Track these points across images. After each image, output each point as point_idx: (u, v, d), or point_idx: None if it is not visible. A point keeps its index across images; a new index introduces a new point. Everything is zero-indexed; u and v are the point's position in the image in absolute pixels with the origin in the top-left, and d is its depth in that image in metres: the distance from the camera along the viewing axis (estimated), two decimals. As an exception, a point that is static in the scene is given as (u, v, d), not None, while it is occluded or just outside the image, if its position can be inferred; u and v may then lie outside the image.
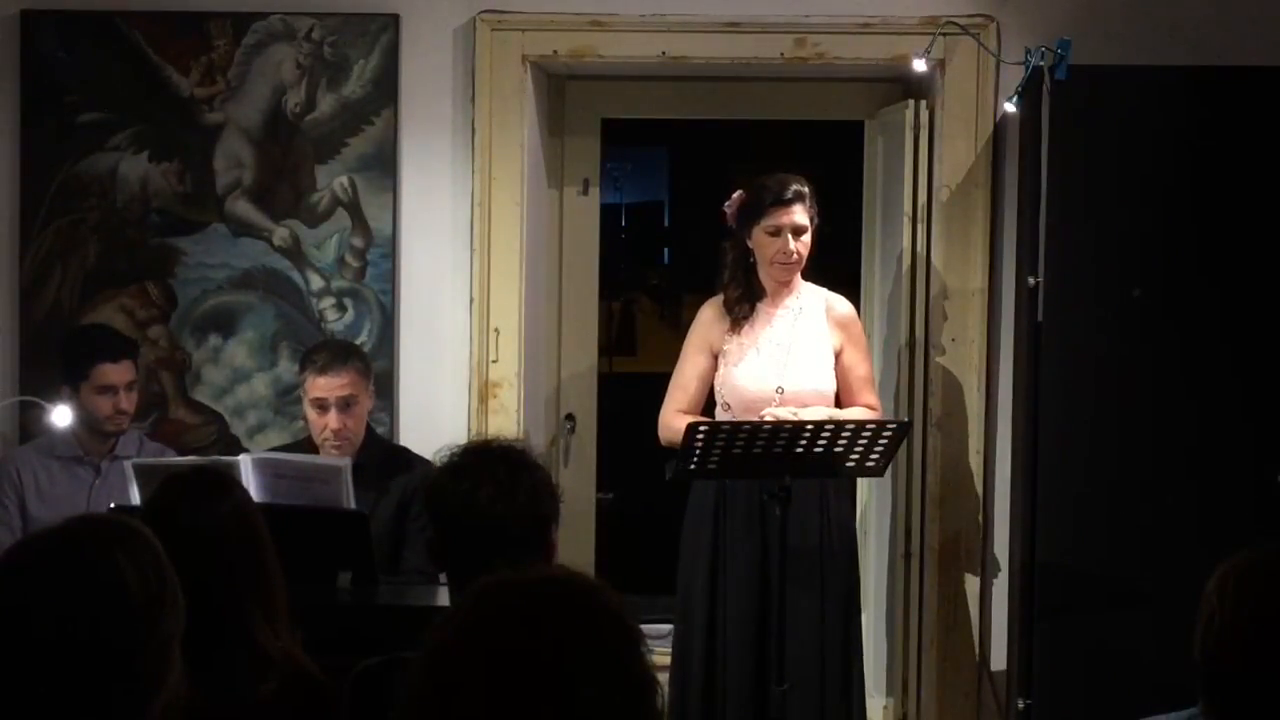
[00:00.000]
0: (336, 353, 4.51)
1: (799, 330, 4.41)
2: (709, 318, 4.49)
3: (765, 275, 4.43)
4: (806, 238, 4.38)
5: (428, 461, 4.56)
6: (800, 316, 4.43)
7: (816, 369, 4.39)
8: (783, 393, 4.33)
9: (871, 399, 4.47)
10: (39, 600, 1.91)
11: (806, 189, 4.39)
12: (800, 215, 4.35)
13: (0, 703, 1.86)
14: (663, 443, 4.45)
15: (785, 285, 4.43)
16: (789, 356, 4.38)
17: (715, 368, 4.45)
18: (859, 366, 4.46)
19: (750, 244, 4.41)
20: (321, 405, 4.40)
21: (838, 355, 4.43)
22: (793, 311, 4.43)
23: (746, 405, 4.33)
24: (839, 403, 4.44)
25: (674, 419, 4.38)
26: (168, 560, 2.01)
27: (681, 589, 4.44)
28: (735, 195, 4.44)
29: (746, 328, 4.42)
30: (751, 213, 4.38)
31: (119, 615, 1.92)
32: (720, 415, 4.42)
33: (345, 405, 4.40)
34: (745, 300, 4.43)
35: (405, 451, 4.63)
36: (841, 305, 4.51)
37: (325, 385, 4.39)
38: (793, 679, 4.14)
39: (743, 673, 4.29)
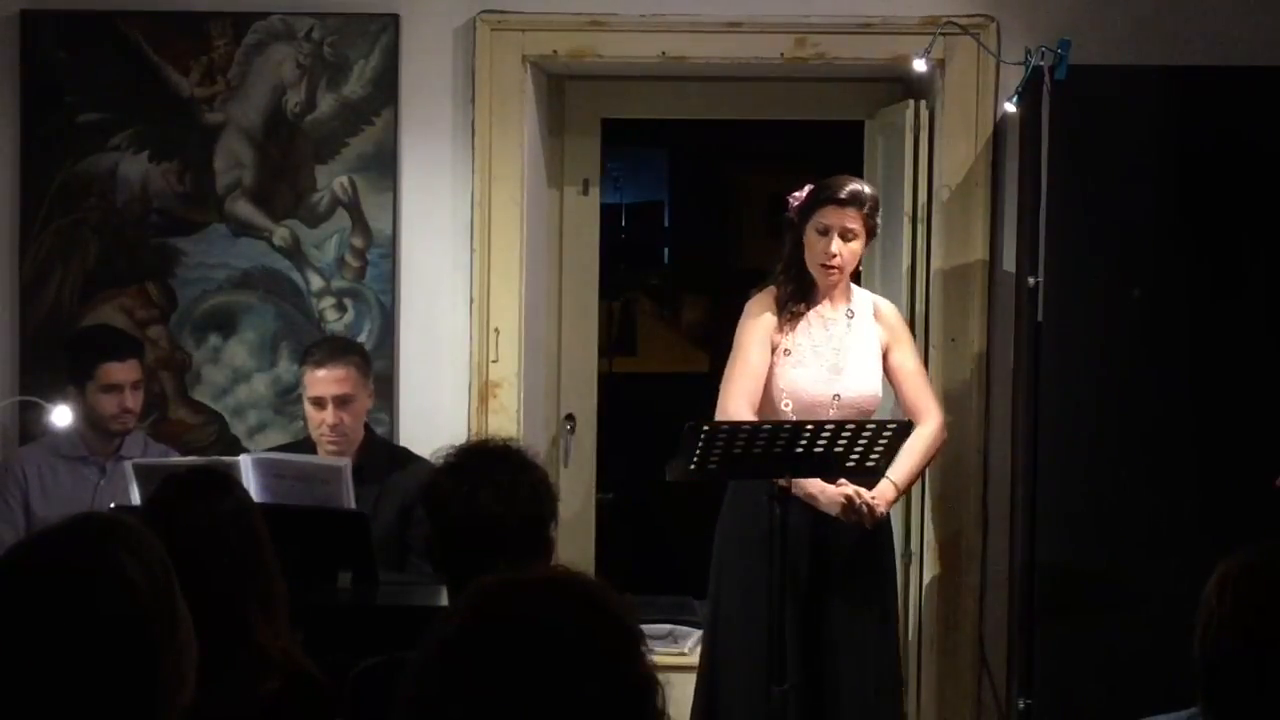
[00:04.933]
0: (335, 348, 4.56)
1: (852, 336, 4.31)
2: (763, 310, 4.32)
3: (814, 274, 4.30)
4: (856, 245, 4.24)
5: (429, 461, 4.58)
6: (853, 322, 4.33)
7: (869, 375, 4.31)
8: (839, 399, 4.23)
9: (930, 402, 4.36)
10: (45, 598, 1.87)
11: (868, 193, 4.26)
12: (852, 219, 4.21)
13: (10, 704, 1.85)
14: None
15: (832, 288, 4.31)
16: (844, 362, 4.28)
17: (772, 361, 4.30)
18: (909, 361, 4.37)
19: (804, 240, 4.29)
20: (319, 402, 4.43)
21: (886, 353, 4.35)
22: (846, 317, 4.33)
23: (805, 408, 4.20)
24: (898, 404, 4.39)
25: (744, 415, 4.20)
26: (168, 559, 2.00)
27: (712, 595, 4.32)
28: (805, 188, 4.33)
29: (803, 327, 4.30)
30: (809, 207, 4.27)
31: (126, 611, 1.88)
32: (781, 412, 4.24)
33: (342, 403, 4.42)
34: (798, 298, 4.30)
35: (405, 451, 4.64)
36: (886, 306, 4.43)
37: (323, 381, 4.42)
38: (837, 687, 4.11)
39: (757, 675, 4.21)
